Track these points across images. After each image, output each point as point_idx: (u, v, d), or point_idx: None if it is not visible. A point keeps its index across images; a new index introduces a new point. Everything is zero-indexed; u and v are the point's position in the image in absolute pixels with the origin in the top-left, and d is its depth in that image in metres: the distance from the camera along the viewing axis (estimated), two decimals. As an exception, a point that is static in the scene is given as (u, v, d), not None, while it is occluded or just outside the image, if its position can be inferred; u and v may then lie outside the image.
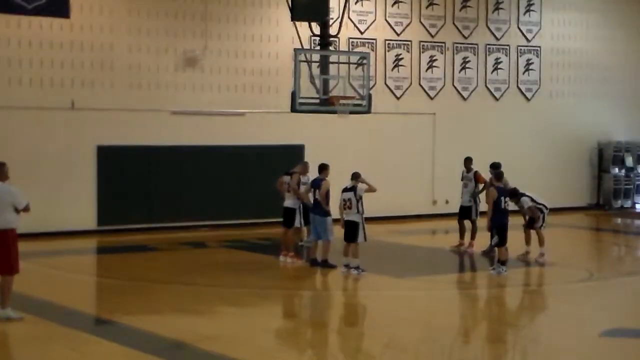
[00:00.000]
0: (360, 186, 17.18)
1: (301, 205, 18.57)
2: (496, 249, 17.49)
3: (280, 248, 18.86)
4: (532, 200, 18.92)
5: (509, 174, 19.55)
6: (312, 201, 17.95)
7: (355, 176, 17.36)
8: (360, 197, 17.11)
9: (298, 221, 18.49)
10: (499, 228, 17.23)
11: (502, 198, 17.32)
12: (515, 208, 18.94)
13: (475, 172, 20.22)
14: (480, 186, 20.05)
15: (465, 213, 20.28)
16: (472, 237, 20.13)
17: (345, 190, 17.29)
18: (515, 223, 18.58)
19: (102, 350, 11.61)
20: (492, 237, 17.58)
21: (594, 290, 16.60)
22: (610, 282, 17.51)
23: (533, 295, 16.62)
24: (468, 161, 20.46)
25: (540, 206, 18.98)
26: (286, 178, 18.76)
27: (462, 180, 20.47)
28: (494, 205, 17.25)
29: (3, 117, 21.57)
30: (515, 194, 18.73)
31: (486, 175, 19.38)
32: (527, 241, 19.12)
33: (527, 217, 19.14)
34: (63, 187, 22.15)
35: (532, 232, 19.03)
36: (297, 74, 19.34)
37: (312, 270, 17.71)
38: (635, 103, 30.71)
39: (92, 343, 11.98)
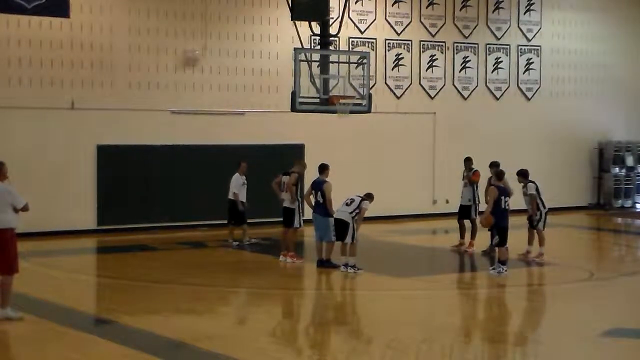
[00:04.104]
0: (364, 205, 17.24)
1: (300, 205, 18.58)
2: (496, 248, 17.48)
3: (280, 248, 18.86)
4: (537, 190, 18.90)
5: (510, 173, 19.53)
6: (312, 202, 17.94)
7: (369, 197, 17.46)
8: (359, 211, 17.22)
9: (297, 221, 18.49)
10: (499, 228, 17.22)
11: (503, 197, 17.28)
12: (516, 208, 18.92)
13: (475, 170, 20.20)
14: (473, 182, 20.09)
15: (464, 212, 20.28)
16: (472, 237, 20.12)
17: (359, 197, 17.34)
18: (515, 223, 18.55)
19: (102, 350, 11.60)
20: (492, 236, 17.56)
21: (594, 290, 16.59)
22: (610, 282, 17.49)
23: (533, 295, 16.60)
24: (468, 161, 20.46)
25: (539, 202, 18.93)
26: (285, 178, 18.76)
27: (463, 179, 20.48)
28: (495, 205, 17.22)
29: (3, 117, 21.56)
30: (525, 175, 18.78)
31: (485, 174, 19.37)
32: (530, 241, 19.10)
33: (529, 214, 19.12)
34: (63, 187, 22.14)
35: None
36: (297, 73, 19.34)
37: (312, 270, 17.70)
38: (635, 103, 30.71)
39: (92, 343, 11.97)
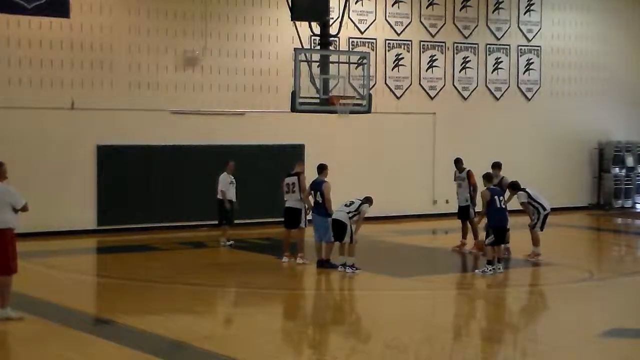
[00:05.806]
0: (364, 208, 17.22)
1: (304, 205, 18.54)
2: (487, 247, 17.39)
3: (283, 249, 18.82)
4: (529, 196, 18.85)
5: (509, 174, 19.54)
6: (312, 203, 17.92)
7: (368, 200, 17.39)
8: (358, 213, 17.20)
9: (304, 221, 18.39)
10: (497, 228, 17.22)
11: (497, 197, 17.34)
12: (516, 209, 18.90)
13: (469, 171, 20.17)
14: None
15: (463, 213, 20.24)
16: (475, 237, 20.05)
17: (358, 201, 17.31)
18: (515, 223, 18.53)
19: (102, 350, 11.60)
20: (487, 236, 17.51)
21: (594, 290, 16.59)
22: (610, 282, 17.50)
23: (533, 295, 16.61)
24: (459, 162, 20.45)
25: (537, 206, 18.88)
26: (288, 179, 18.68)
27: (455, 180, 20.45)
28: (489, 206, 17.25)
29: (3, 117, 21.57)
30: (515, 187, 18.79)
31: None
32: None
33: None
34: (63, 187, 22.15)
35: (540, 233, 18.98)
36: (297, 73, 19.32)
37: (312, 270, 17.69)
38: (635, 103, 30.71)
39: (92, 343, 11.98)
